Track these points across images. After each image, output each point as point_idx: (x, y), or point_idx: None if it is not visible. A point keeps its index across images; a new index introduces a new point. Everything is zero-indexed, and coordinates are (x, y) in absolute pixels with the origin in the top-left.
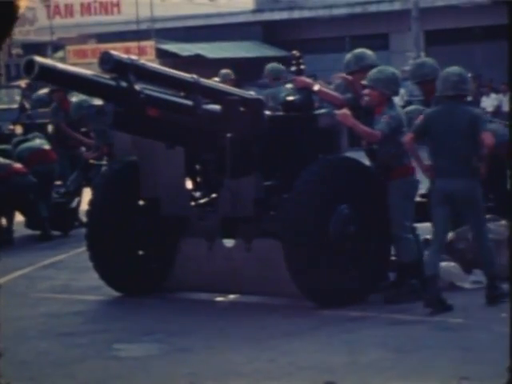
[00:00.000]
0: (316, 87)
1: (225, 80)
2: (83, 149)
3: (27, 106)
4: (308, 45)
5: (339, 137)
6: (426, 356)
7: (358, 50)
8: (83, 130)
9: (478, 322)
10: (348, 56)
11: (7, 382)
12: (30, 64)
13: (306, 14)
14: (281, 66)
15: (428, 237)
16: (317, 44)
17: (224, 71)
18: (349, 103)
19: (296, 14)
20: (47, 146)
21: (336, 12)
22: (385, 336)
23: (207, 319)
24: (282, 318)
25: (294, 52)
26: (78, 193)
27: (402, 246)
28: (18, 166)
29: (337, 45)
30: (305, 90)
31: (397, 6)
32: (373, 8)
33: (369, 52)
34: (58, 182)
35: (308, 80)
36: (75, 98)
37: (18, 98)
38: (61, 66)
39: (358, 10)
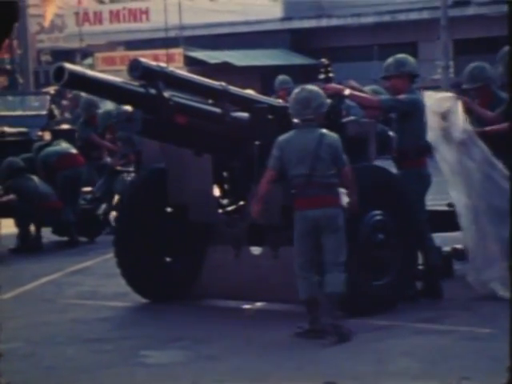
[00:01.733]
0: (347, 91)
1: (281, 88)
2: (108, 159)
3: (56, 112)
4: (336, 53)
5: (367, 145)
6: (453, 366)
7: (401, 55)
8: (108, 136)
9: (507, 332)
10: (389, 60)
11: (7, 381)
12: (60, 71)
13: (335, 22)
14: None
15: (458, 246)
16: (345, 52)
17: (282, 77)
18: (384, 105)
19: (324, 23)
20: (74, 150)
21: (364, 20)
22: (412, 345)
23: (234, 327)
24: None
25: (323, 60)
26: (106, 199)
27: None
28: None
29: (365, 53)
30: (335, 97)
31: (426, 15)
32: (402, 16)
33: (410, 59)
34: (88, 189)
35: (338, 86)
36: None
37: (46, 104)
38: (90, 72)
39: (386, 18)
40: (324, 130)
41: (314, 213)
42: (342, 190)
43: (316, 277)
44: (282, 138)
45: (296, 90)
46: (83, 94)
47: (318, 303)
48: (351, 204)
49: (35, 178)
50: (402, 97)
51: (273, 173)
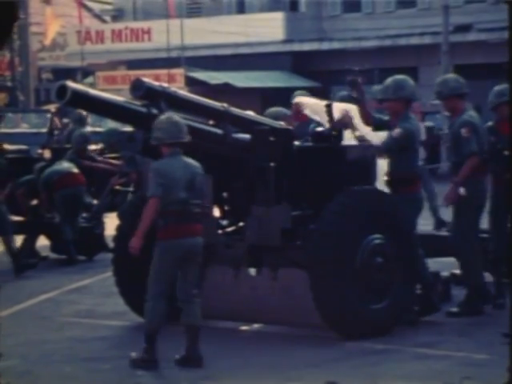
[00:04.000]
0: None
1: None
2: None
3: (58, 126)
4: (337, 76)
5: (369, 168)
6: None
7: (400, 78)
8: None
9: (503, 358)
10: (388, 81)
11: (7, 382)
12: (63, 89)
13: (336, 45)
14: None
15: (456, 271)
16: (345, 75)
17: (300, 93)
18: (384, 148)
19: (325, 46)
20: (75, 170)
21: (365, 44)
22: (409, 370)
23: (231, 348)
24: (307, 349)
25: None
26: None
27: None
28: None
29: (366, 77)
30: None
31: (427, 40)
32: (402, 41)
33: (409, 82)
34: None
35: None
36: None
37: (47, 122)
38: (93, 91)
39: (387, 42)
40: (190, 160)
41: (190, 241)
42: None
43: (165, 307)
44: (161, 164)
45: (166, 115)
46: (79, 129)
47: (157, 335)
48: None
49: None
50: (396, 133)
51: (157, 200)
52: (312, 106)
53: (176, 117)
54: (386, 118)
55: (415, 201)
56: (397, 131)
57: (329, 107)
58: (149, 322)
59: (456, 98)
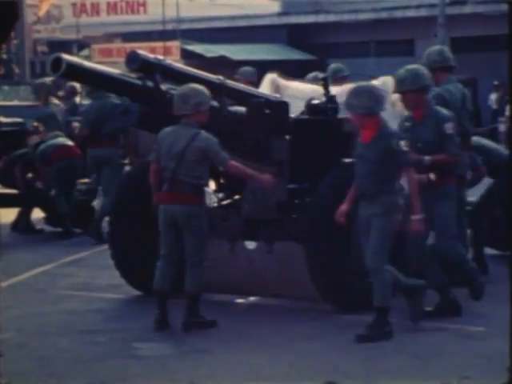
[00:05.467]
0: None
1: (336, 77)
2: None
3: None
4: (333, 49)
5: None
6: (446, 363)
7: (415, 68)
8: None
9: (500, 331)
10: (403, 72)
11: (7, 382)
12: (57, 61)
13: (332, 18)
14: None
15: None
16: (341, 48)
17: (334, 66)
18: (458, 154)
19: (321, 18)
20: (70, 142)
21: (361, 17)
22: (405, 342)
23: (227, 321)
24: (302, 322)
25: None
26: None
27: None
28: None
29: (362, 49)
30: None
31: (423, 13)
32: (399, 14)
33: (425, 70)
34: (84, 180)
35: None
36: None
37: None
38: (88, 63)
39: (383, 15)
40: (199, 131)
41: (173, 208)
42: (208, 190)
43: (171, 272)
44: (162, 131)
45: (181, 87)
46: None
47: (166, 298)
48: (265, 181)
49: None
50: (450, 127)
51: (154, 165)
52: (293, 89)
53: (185, 88)
54: None
55: None
56: (449, 126)
57: (325, 80)
58: (154, 283)
59: (439, 70)
